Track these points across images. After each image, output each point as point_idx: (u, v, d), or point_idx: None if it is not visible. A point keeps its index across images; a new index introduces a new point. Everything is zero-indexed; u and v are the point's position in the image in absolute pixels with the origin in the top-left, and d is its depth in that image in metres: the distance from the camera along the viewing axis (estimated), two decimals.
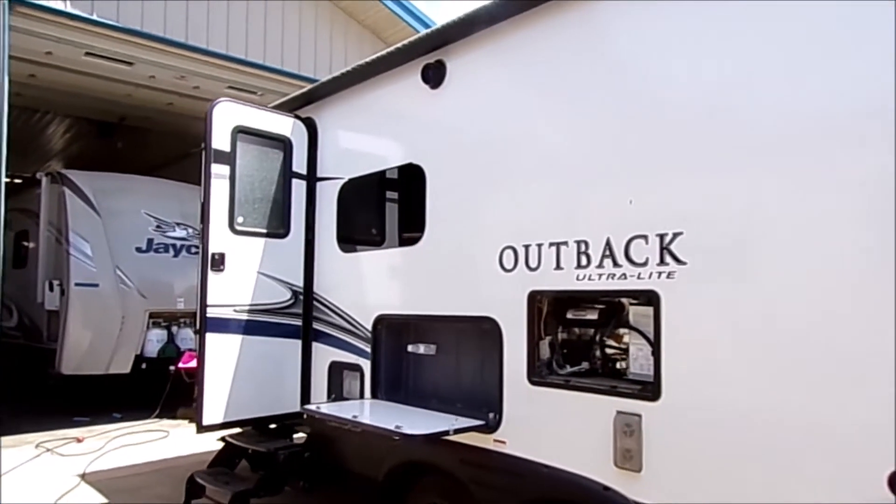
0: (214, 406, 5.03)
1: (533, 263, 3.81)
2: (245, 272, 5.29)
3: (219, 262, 5.09)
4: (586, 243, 3.54)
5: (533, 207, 3.86)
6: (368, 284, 5.09)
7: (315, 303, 5.59)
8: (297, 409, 5.55)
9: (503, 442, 3.93)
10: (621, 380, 3.54)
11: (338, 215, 5.41)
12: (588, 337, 3.89)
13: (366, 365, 5.01)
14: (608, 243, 3.44)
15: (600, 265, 3.47)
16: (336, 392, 5.30)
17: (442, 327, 4.75)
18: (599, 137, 3.55)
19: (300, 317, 5.60)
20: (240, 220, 5.27)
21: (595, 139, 3.58)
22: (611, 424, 3.35)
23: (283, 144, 5.58)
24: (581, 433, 3.51)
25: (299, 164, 5.64)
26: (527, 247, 3.85)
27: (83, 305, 10.46)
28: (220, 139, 5.15)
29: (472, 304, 4.20)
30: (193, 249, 12.06)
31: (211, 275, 5.05)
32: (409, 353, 4.90)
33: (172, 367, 10.66)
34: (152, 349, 11.19)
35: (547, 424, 3.70)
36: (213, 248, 5.07)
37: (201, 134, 5.10)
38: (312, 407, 4.63)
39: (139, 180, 12.55)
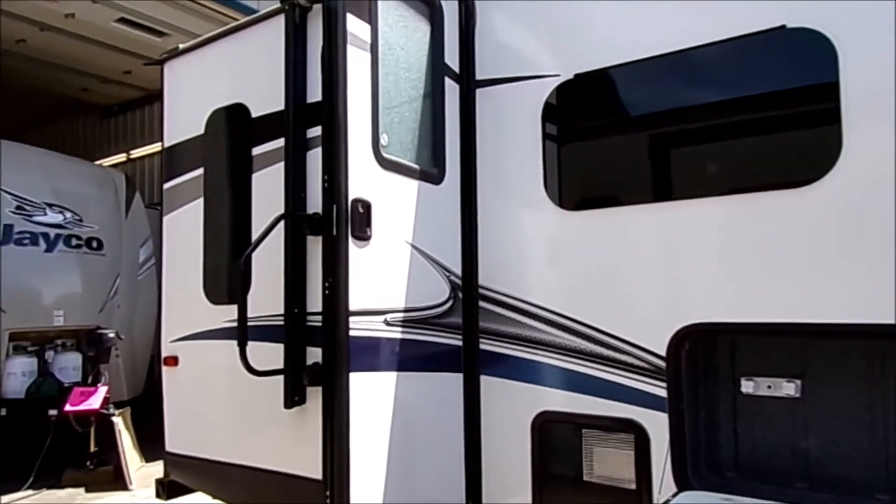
0: None
1: None
2: (394, 246, 2.66)
3: (363, 219, 2.43)
4: None
5: None
6: (655, 269, 2.67)
7: (487, 304, 3.05)
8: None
9: None
10: None
11: (546, 143, 2.93)
12: None
13: (653, 421, 2.61)
14: None
15: None
16: (560, 471, 2.81)
17: (820, 347, 2.50)
18: None
19: (458, 331, 3.02)
20: (384, 140, 2.63)
21: None
22: None
23: (431, 12, 3.00)
24: None
25: (451, 54, 3.08)
26: None
27: None
28: None
29: None
30: (74, 241, 8.56)
31: (353, 249, 2.37)
32: (743, 395, 2.58)
33: (53, 412, 7.22)
34: (17, 387, 7.58)
35: None
36: (355, 191, 2.40)
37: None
38: None
39: None
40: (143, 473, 7.23)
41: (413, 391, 2.75)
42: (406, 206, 2.73)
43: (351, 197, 2.37)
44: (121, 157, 12.15)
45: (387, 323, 2.55)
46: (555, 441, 2.86)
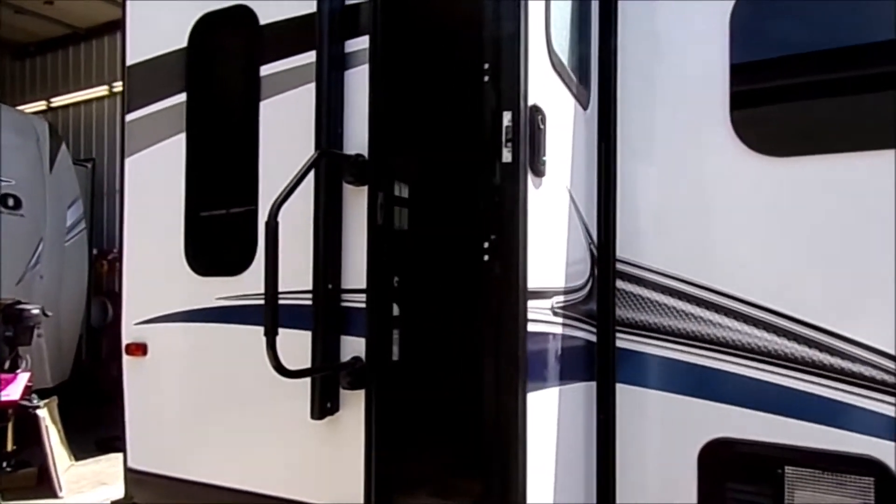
0: None
1: None
2: (559, 192, 1.74)
3: (540, 141, 1.50)
4: None
5: None
6: None
7: (625, 283, 2.19)
8: None
9: None
10: None
11: (736, 63, 2.08)
12: None
13: None
14: None
15: None
16: None
17: None
18: None
19: (591, 322, 2.16)
20: (554, 37, 1.70)
21: None
22: None
23: None
24: None
25: None
26: None
27: None
28: None
29: None
30: (10, 202, 7.25)
31: (531, 188, 1.44)
32: None
33: None
34: None
35: None
36: (533, 94, 1.47)
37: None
38: None
39: None
40: (73, 474, 6.08)
41: (555, 410, 1.87)
42: (565, 134, 1.82)
43: (531, 101, 1.44)
44: (39, 106, 10.47)
45: (553, 311, 1.64)
46: (737, 481, 2.04)
